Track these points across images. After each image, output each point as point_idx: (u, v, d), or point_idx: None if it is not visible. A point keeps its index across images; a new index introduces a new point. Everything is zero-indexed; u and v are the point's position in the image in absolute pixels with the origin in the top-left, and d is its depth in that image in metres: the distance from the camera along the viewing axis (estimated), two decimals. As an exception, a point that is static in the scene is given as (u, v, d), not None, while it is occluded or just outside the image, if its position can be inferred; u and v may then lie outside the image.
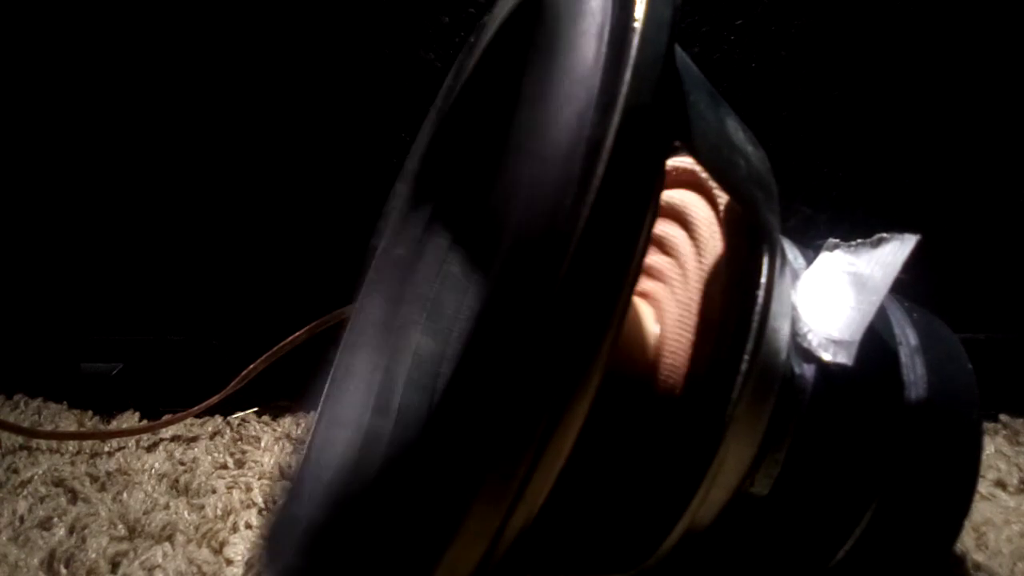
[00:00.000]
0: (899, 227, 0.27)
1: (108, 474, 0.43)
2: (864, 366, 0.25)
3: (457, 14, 0.46)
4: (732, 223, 0.27)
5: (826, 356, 0.25)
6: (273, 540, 0.30)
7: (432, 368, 0.30)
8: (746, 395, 0.23)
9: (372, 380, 0.32)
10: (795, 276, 0.27)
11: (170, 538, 0.38)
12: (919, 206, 0.47)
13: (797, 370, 0.25)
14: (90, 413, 0.50)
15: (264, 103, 0.47)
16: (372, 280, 0.35)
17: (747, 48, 0.45)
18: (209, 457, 0.44)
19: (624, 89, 0.18)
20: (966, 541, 0.36)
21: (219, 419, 0.48)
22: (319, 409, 0.35)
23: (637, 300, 0.29)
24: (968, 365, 0.30)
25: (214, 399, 0.47)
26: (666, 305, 0.28)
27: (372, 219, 0.36)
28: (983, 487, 0.41)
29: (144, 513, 0.39)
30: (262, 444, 0.46)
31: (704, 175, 0.29)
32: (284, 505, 0.31)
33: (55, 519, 0.40)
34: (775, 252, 0.24)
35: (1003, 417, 0.47)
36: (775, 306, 0.24)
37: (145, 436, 0.47)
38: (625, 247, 0.19)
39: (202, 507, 0.40)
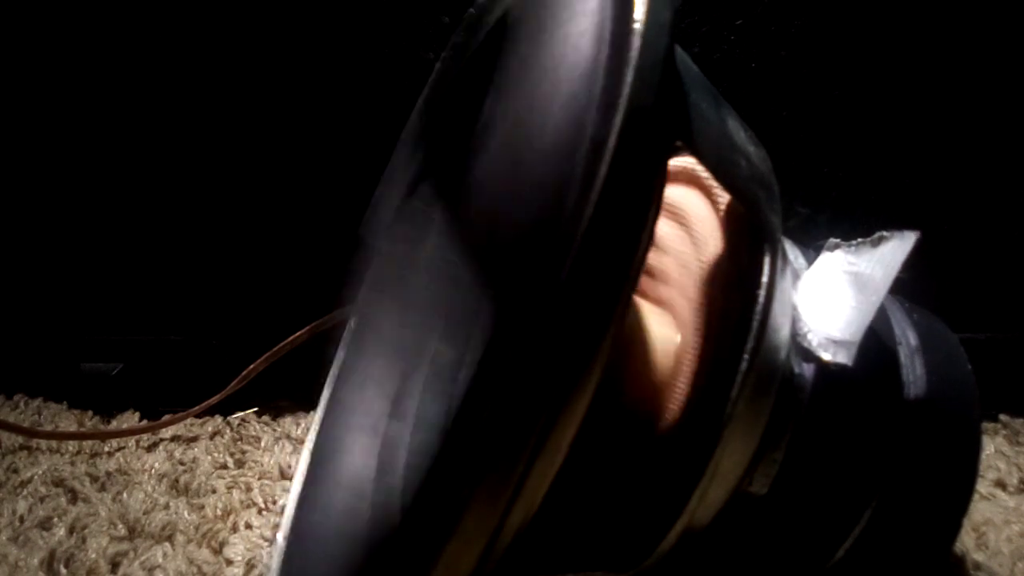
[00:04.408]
0: (899, 227, 0.27)
1: (108, 474, 0.43)
2: (864, 366, 0.25)
3: (457, 14, 0.46)
4: (733, 223, 0.27)
5: (826, 356, 0.25)
6: (292, 548, 0.30)
7: (451, 374, 0.30)
8: (745, 394, 0.23)
9: (388, 386, 0.32)
10: (796, 276, 0.27)
11: (170, 538, 0.38)
12: (919, 206, 0.47)
13: (797, 370, 0.25)
14: (90, 413, 0.50)
15: (264, 103, 0.47)
16: (379, 282, 0.35)
17: (747, 48, 0.45)
18: (209, 457, 0.44)
19: (626, 90, 0.18)
20: (966, 541, 0.36)
21: (219, 419, 0.48)
22: (324, 411, 0.34)
23: (654, 308, 0.29)
24: (968, 366, 0.30)
25: (214, 399, 0.47)
26: (682, 311, 0.28)
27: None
28: (983, 487, 0.41)
29: (144, 513, 0.39)
30: (262, 444, 0.46)
31: (705, 175, 0.29)
32: (300, 513, 0.31)
33: (55, 519, 0.40)
34: (776, 252, 0.24)
35: (1003, 417, 0.47)
36: (776, 306, 0.24)
37: (145, 436, 0.47)
38: (628, 247, 0.19)
39: (202, 507, 0.40)
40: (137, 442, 0.47)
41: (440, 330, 0.28)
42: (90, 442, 0.47)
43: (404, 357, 0.31)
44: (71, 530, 0.39)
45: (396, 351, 0.32)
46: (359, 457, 0.30)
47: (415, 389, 0.29)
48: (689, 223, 0.29)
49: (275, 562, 0.30)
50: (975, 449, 0.29)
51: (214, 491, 0.41)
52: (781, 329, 0.24)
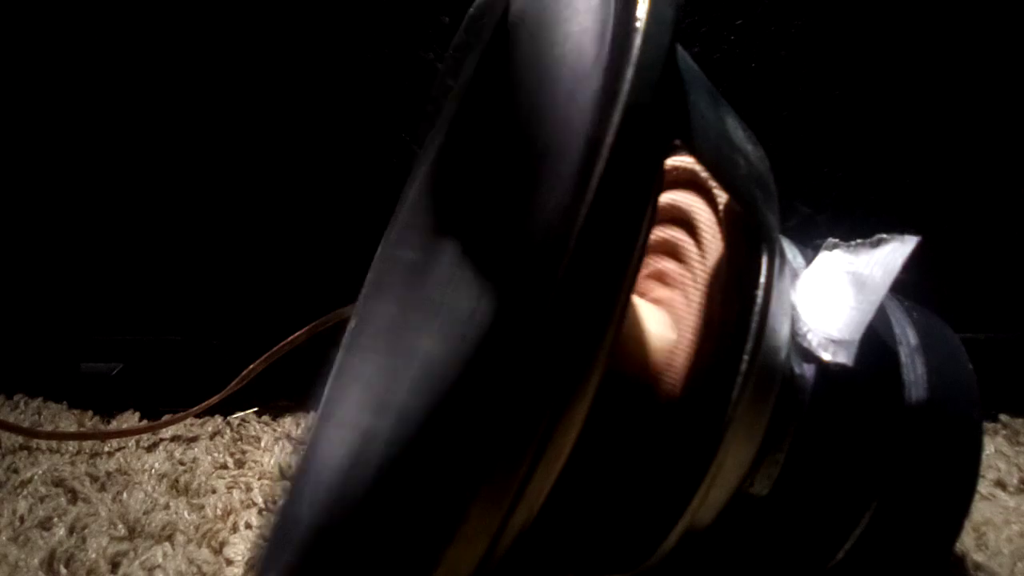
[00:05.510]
0: (899, 227, 0.27)
1: (108, 474, 0.43)
2: (864, 366, 0.25)
3: (457, 14, 0.46)
4: (731, 223, 0.27)
5: (826, 356, 0.25)
6: (273, 540, 0.30)
7: (440, 371, 0.30)
8: (746, 396, 0.23)
9: (376, 382, 0.32)
10: (794, 276, 0.27)
11: (170, 538, 0.38)
12: (919, 206, 0.47)
13: (797, 370, 0.25)
14: (90, 413, 0.50)
15: (264, 103, 0.47)
16: (377, 283, 0.35)
17: (747, 48, 0.45)
18: (209, 457, 0.44)
19: (625, 87, 0.18)
20: (966, 541, 0.36)
21: (219, 419, 0.48)
22: (319, 410, 0.34)
23: (652, 306, 0.29)
24: (968, 365, 0.30)
25: (214, 399, 0.47)
26: (682, 312, 0.28)
27: (372, 219, 0.36)
28: (983, 487, 0.41)
29: (144, 513, 0.39)
30: (262, 444, 0.46)
31: (704, 174, 0.29)
32: (284, 505, 0.31)
33: (55, 519, 0.40)
34: (774, 251, 0.24)
35: (1003, 417, 0.47)
36: (774, 306, 0.24)
37: (145, 436, 0.47)
38: (624, 246, 0.19)
39: (202, 507, 0.40)
40: (137, 442, 0.47)
41: (434, 329, 0.28)
42: (90, 442, 0.47)
43: (394, 356, 0.31)
44: (71, 530, 0.39)
45: (387, 350, 0.32)
46: (336, 451, 0.30)
47: (401, 387, 0.29)
48: (695, 228, 0.29)
49: (259, 556, 0.30)
50: (976, 449, 0.29)
51: (214, 491, 0.41)
52: (780, 329, 0.24)
